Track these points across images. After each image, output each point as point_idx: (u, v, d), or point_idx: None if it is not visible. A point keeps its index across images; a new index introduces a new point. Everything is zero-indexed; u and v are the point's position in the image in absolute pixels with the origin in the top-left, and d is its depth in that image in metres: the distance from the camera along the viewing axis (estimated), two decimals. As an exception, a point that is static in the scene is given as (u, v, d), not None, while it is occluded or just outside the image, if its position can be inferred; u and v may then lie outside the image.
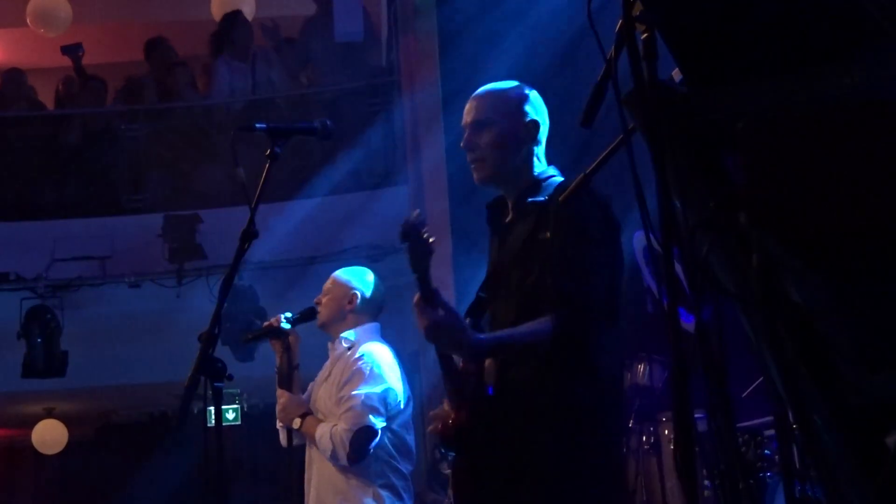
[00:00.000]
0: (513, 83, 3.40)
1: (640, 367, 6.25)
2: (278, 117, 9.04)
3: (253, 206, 3.21)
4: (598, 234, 3.12)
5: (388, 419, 4.40)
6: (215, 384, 3.12)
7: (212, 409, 3.16)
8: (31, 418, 12.17)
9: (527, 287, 3.17)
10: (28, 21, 10.03)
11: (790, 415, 1.99)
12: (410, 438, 4.53)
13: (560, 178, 3.29)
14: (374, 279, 4.69)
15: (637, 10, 1.86)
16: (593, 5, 2.11)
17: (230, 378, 3.14)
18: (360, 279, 4.66)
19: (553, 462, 3.07)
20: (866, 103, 1.68)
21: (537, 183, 3.29)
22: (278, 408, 4.59)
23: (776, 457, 5.04)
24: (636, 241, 5.71)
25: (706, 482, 4.85)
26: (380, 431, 4.36)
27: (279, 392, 4.59)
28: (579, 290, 3.04)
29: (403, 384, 4.51)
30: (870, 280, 1.76)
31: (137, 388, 10.91)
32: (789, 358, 1.82)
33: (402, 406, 4.46)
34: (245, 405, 11.88)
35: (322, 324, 4.64)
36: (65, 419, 12.26)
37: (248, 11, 9.88)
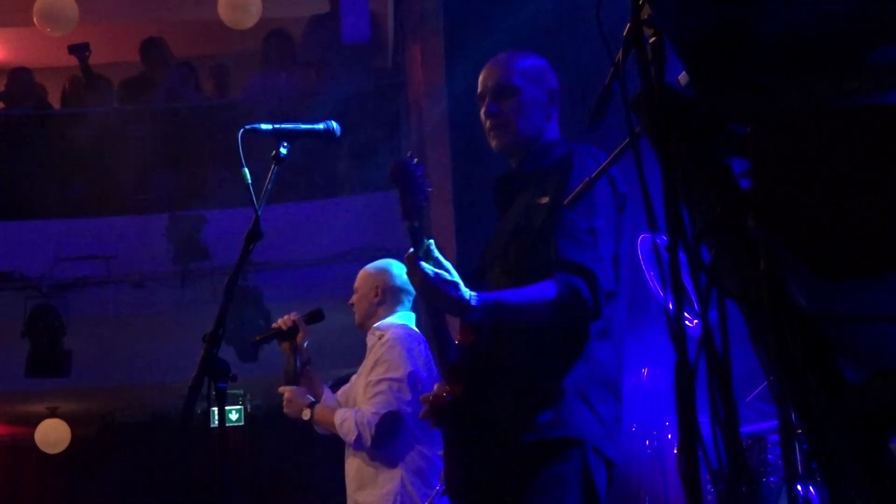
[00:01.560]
0: (531, 55, 3.38)
1: (644, 371, 6.25)
2: (284, 118, 9.04)
3: (258, 206, 3.22)
4: (604, 203, 3.06)
5: (416, 404, 4.37)
6: (219, 385, 3.11)
7: (215, 409, 3.16)
8: (35, 417, 12.19)
9: (524, 255, 3.12)
10: (35, 20, 10.04)
11: (795, 419, 1.99)
12: None
13: (564, 145, 3.26)
14: (397, 269, 4.71)
15: (645, 13, 1.85)
16: (602, 8, 2.11)
17: (234, 379, 3.14)
18: (383, 271, 4.72)
19: (545, 445, 3.02)
20: (876, 107, 1.67)
21: (546, 150, 3.25)
22: (284, 402, 4.62)
23: (780, 461, 5.04)
24: (641, 244, 5.71)
25: (709, 487, 4.85)
26: (406, 417, 4.39)
27: (283, 388, 4.62)
28: (585, 256, 2.97)
29: (430, 371, 4.50)
30: (877, 285, 1.76)
31: (141, 387, 10.94)
32: (795, 363, 1.81)
33: (429, 390, 4.43)
34: (248, 406, 11.90)
35: (358, 323, 4.71)
36: (68, 418, 12.27)
37: (255, 11, 9.89)
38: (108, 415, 13.27)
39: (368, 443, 4.36)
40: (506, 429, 3.08)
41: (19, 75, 10.45)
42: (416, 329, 4.66)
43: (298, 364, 4.61)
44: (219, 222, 8.62)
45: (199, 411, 3.38)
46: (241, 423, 11.67)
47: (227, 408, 3.17)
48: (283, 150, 3.38)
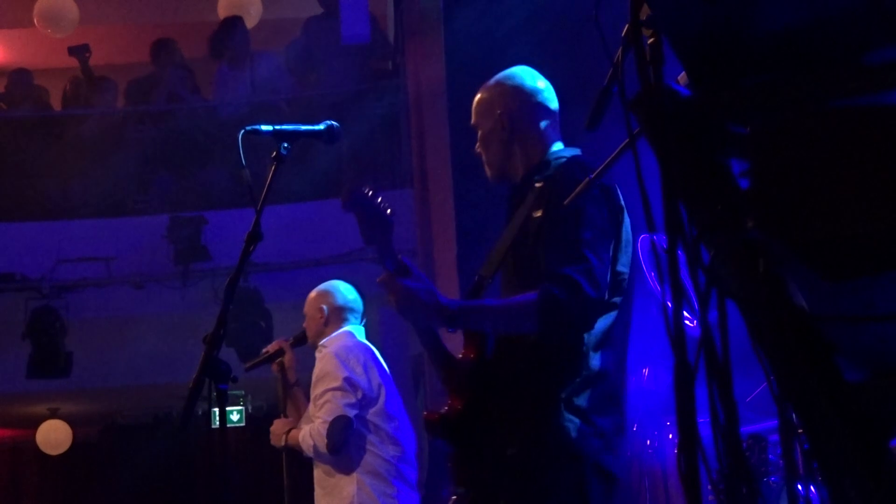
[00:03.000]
0: (493, 79, 3.43)
1: (644, 371, 6.26)
2: (284, 120, 9.04)
3: (258, 207, 3.22)
4: (594, 215, 3.06)
5: (360, 407, 4.66)
6: (219, 386, 3.12)
7: (216, 410, 3.16)
8: (36, 419, 12.18)
9: (522, 267, 3.15)
10: (35, 22, 10.05)
11: (794, 419, 1.99)
12: (392, 426, 4.76)
13: (565, 156, 3.27)
14: (340, 288, 5.03)
15: (644, 13, 1.86)
16: (601, 8, 2.11)
17: (234, 380, 3.15)
18: (326, 293, 5.01)
19: (540, 459, 3.03)
20: (875, 108, 1.68)
21: (544, 164, 3.28)
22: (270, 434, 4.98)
23: (780, 461, 5.04)
24: (641, 244, 5.71)
25: (709, 487, 4.85)
26: (354, 419, 4.62)
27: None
28: (569, 268, 2.97)
29: (373, 373, 4.75)
30: (876, 285, 1.76)
31: (142, 389, 10.92)
32: (794, 363, 1.81)
33: (372, 394, 4.70)
34: (249, 407, 11.90)
35: (310, 344, 4.99)
36: (69, 420, 12.26)
37: (255, 13, 9.89)
38: (110, 416, 13.26)
39: (323, 449, 4.59)
40: (503, 443, 3.10)
41: (20, 76, 10.45)
42: (363, 341, 4.91)
43: (286, 383, 4.94)
44: (219, 223, 8.62)
45: (199, 412, 3.39)
46: (242, 424, 11.66)
47: (227, 409, 3.18)
48: (284, 151, 3.39)
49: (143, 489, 12.26)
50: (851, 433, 1.79)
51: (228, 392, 3.16)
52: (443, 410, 3.20)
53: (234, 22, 9.65)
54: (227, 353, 3.21)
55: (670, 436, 6.02)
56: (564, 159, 3.25)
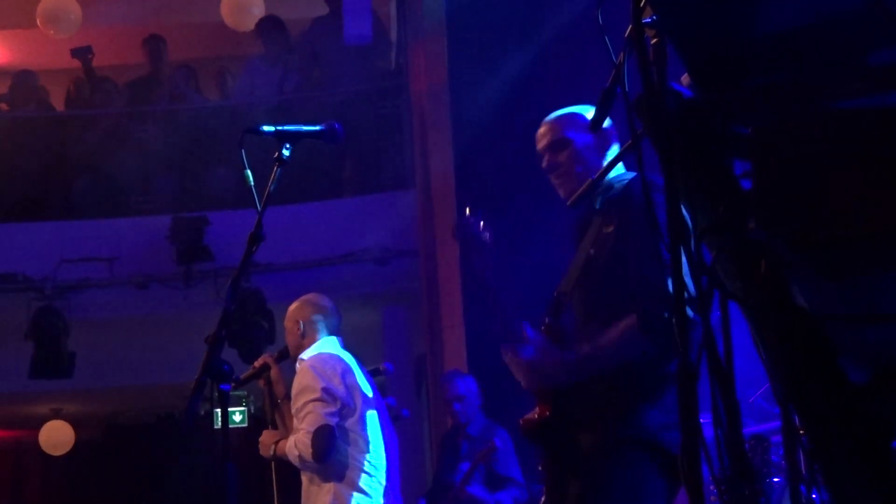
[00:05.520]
0: (577, 106, 3.55)
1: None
2: (287, 120, 9.04)
3: (261, 208, 3.22)
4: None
5: (339, 417, 4.75)
6: (221, 386, 3.12)
7: (218, 411, 3.16)
8: (39, 419, 12.19)
9: (598, 281, 3.30)
10: (38, 22, 10.05)
11: (797, 420, 1.99)
12: (370, 433, 4.85)
13: (630, 175, 3.39)
14: (314, 300, 5.13)
15: (647, 14, 1.86)
16: (603, 9, 2.11)
17: (237, 380, 3.16)
18: (299, 306, 5.12)
19: (604, 446, 3.19)
20: (877, 109, 1.68)
21: (614, 184, 3.39)
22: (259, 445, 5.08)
23: (783, 462, 5.03)
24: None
25: (712, 488, 4.85)
26: (334, 428, 4.71)
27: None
28: (661, 281, 3.06)
29: (349, 382, 4.82)
30: (879, 285, 1.76)
31: (144, 389, 10.94)
32: (797, 363, 1.81)
33: (349, 404, 4.79)
34: (252, 407, 11.90)
35: (292, 357, 5.08)
36: (72, 420, 12.27)
37: (258, 13, 9.89)
38: (112, 416, 13.27)
39: (309, 458, 4.67)
40: (580, 437, 3.27)
41: (23, 77, 10.46)
42: (339, 351, 4.98)
43: (274, 398, 5.00)
44: (221, 224, 8.63)
45: (202, 413, 3.40)
46: (245, 425, 11.67)
47: (230, 409, 3.19)
48: (286, 152, 3.39)
49: (144, 489, 12.27)
50: (854, 435, 1.79)
51: (231, 393, 3.17)
52: (533, 415, 3.36)
53: (274, 20, 9.75)
54: (230, 354, 3.21)
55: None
56: (627, 180, 3.37)
